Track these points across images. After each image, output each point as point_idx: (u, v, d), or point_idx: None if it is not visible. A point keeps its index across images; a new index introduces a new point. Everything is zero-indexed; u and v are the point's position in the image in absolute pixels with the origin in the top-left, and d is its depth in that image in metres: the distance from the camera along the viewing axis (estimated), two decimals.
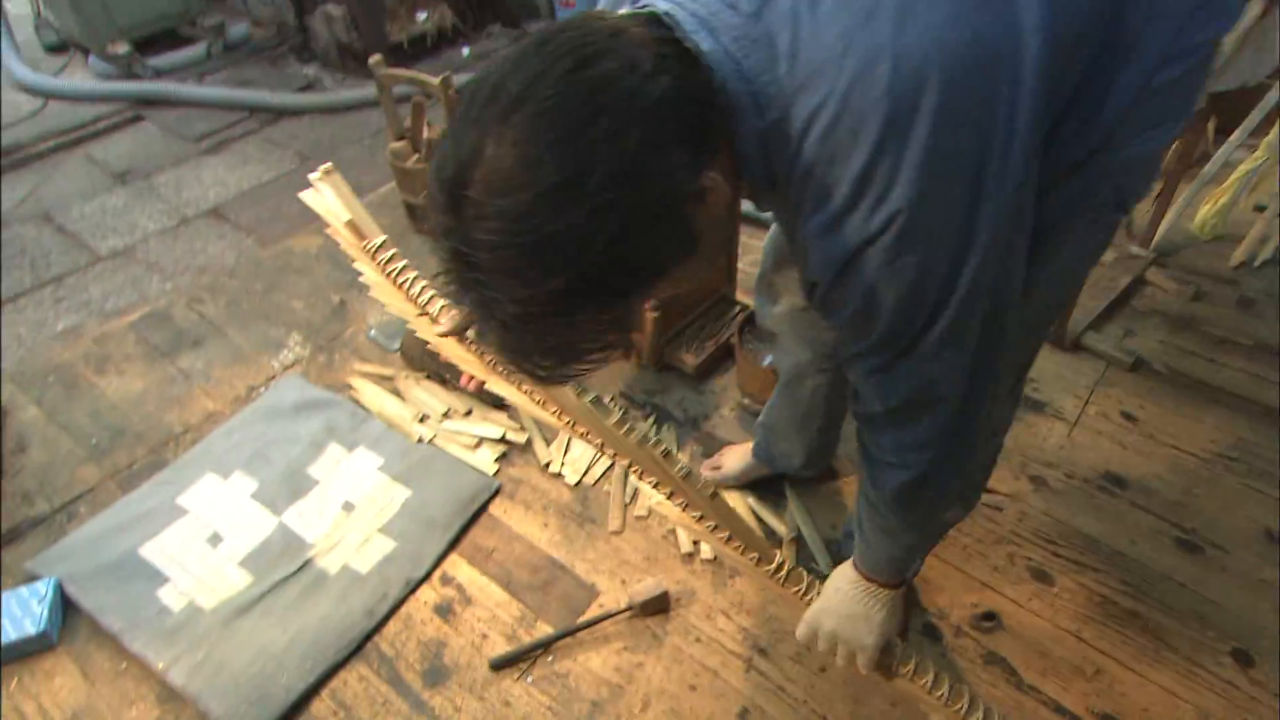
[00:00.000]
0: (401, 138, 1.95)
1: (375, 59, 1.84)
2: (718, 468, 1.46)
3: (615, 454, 0.94)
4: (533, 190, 0.48)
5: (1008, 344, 0.65)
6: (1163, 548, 1.35)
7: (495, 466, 1.51)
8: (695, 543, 1.38)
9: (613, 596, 1.32)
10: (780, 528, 1.39)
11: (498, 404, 1.61)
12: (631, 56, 0.50)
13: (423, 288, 1.00)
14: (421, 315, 1.00)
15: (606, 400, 0.96)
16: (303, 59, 3.46)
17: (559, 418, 0.95)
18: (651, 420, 1.59)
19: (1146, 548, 1.36)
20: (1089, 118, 0.64)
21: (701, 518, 0.95)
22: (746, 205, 0.74)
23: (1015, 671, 1.20)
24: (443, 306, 0.98)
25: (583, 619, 1.27)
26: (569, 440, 1.56)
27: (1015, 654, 1.22)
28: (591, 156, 0.48)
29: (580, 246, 0.49)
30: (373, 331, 1.81)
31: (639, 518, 1.43)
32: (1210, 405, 1.58)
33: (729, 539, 0.95)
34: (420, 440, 1.56)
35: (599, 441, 0.94)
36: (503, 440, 1.56)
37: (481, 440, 1.55)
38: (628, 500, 1.45)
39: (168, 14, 3.39)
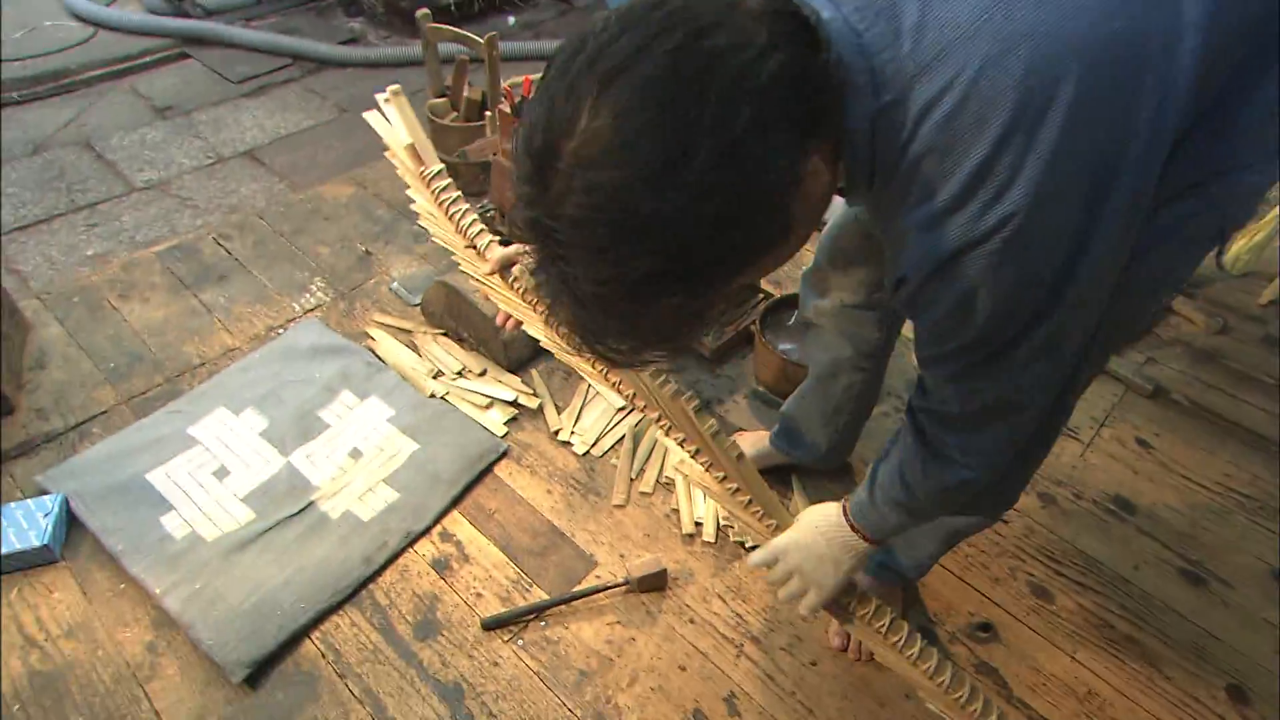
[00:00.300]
0: (441, 95, 1.91)
1: (422, 12, 1.80)
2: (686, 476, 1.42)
3: (646, 405, 0.92)
4: (630, 169, 0.45)
5: (1094, 359, 0.62)
6: (1166, 576, 1.32)
7: (505, 429, 1.49)
8: (697, 524, 1.35)
9: (610, 569, 1.29)
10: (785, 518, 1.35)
11: (521, 361, 1.58)
12: (746, 29, 0.46)
13: (473, 221, 0.98)
14: (469, 248, 0.98)
15: None
16: (349, 13, 3.42)
17: (593, 364, 0.92)
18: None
19: (1150, 575, 1.32)
20: (1219, 133, 0.57)
21: (725, 479, 0.92)
22: None
23: (1006, 684, 1.17)
24: (490, 242, 0.96)
25: (578, 588, 1.24)
26: (580, 408, 1.53)
27: (1008, 666, 1.19)
28: (696, 137, 0.44)
29: (673, 230, 0.46)
30: (395, 284, 1.78)
31: (644, 494, 1.40)
32: (1226, 439, 1.54)
33: (748, 504, 0.92)
34: (433, 396, 1.53)
35: (630, 392, 0.92)
36: (515, 404, 1.53)
37: (493, 401, 1.53)
38: (634, 475, 1.42)
39: None
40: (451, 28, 1.76)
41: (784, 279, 1.82)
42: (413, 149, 1.00)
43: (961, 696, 0.88)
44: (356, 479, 1.38)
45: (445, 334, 1.65)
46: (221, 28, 3.09)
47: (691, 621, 1.23)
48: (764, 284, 1.75)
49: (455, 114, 1.90)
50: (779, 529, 0.93)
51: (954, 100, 0.49)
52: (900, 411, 1.58)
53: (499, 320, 0.99)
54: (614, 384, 0.95)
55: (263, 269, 1.84)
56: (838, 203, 0.71)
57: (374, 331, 1.66)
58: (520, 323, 0.97)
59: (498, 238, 1.00)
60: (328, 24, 3.38)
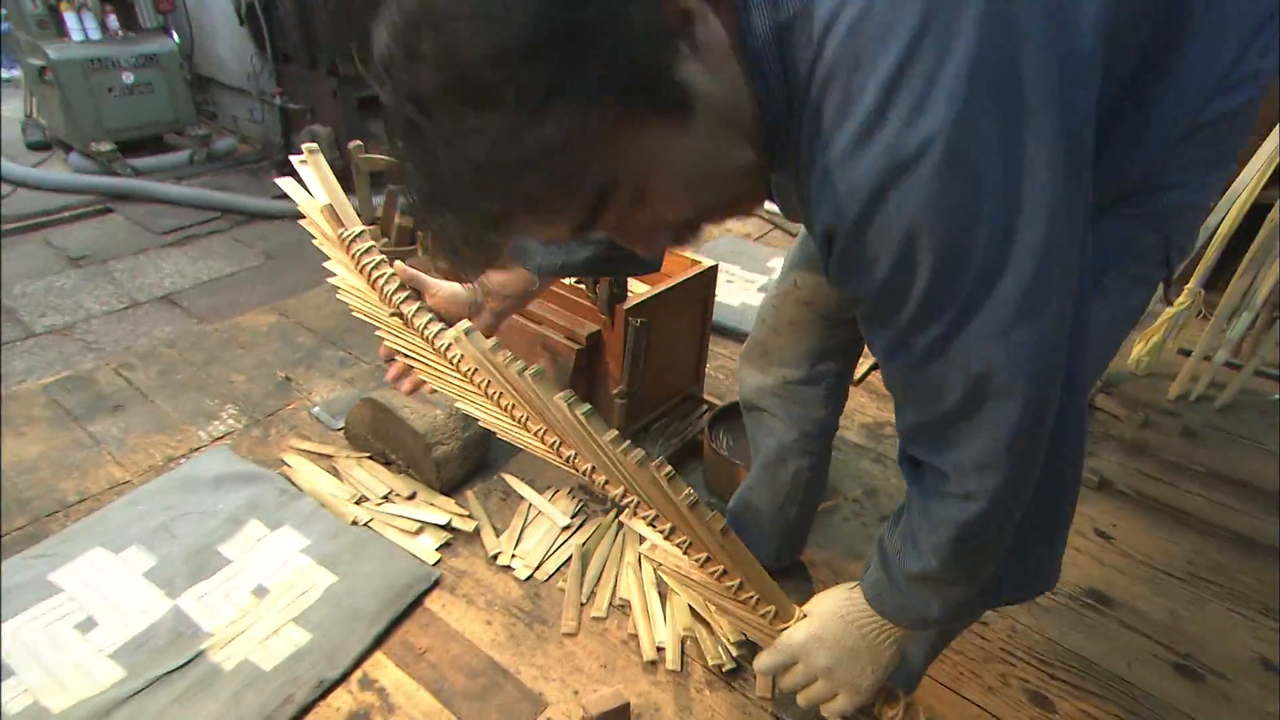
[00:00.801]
0: (372, 223, 1.86)
1: (355, 144, 1.79)
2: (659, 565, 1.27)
3: (607, 480, 0.77)
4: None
5: (1083, 344, 0.54)
6: (1162, 673, 1.20)
7: (437, 556, 1.29)
8: (659, 649, 1.16)
9: (562, 709, 1.07)
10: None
11: (454, 481, 1.41)
12: None
13: (398, 287, 0.86)
14: (394, 316, 0.85)
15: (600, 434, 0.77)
16: (285, 173, 3.45)
17: (542, 438, 0.78)
18: (614, 515, 1.40)
19: (1146, 672, 1.20)
20: (1137, 143, 0.57)
21: (708, 560, 0.76)
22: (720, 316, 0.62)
23: None
24: (417, 309, 0.84)
25: None
26: (521, 529, 1.36)
27: None
28: None
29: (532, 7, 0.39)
30: (316, 409, 1.61)
31: (596, 619, 1.21)
32: (1179, 527, 1.50)
33: (738, 589, 0.77)
34: (354, 523, 1.33)
35: (588, 466, 0.77)
36: (448, 528, 1.34)
37: (424, 526, 1.34)
38: (584, 599, 1.24)
39: (158, 121, 3.36)
40: (381, 156, 1.75)
41: (725, 392, 1.75)
42: (330, 210, 0.90)
43: None
44: (260, 621, 1.14)
45: (371, 457, 1.48)
46: (149, 184, 3.03)
47: None
48: (706, 395, 1.68)
49: (386, 240, 1.84)
50: (778, 619, 0.78)
51: (858, 7, 0.44)
52: (858, 516, 1.48)
53: (390, 374, 0.86)
54: (567, 459, 0.81)
55: (167, 398, 1.64)
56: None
57: (290, 458, 1.47)
58: (419, 385, 0.84)
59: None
60: (260, 183, 3.38)
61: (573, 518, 1.39)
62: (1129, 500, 1.56)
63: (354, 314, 0.90)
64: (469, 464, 1.45)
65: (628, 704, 1.03)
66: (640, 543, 1.29)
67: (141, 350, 1.83)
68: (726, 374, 1.85)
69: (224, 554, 1.24)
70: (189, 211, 2.97)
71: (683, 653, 1.16)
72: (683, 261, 1.57)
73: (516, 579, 1.27)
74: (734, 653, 1.16)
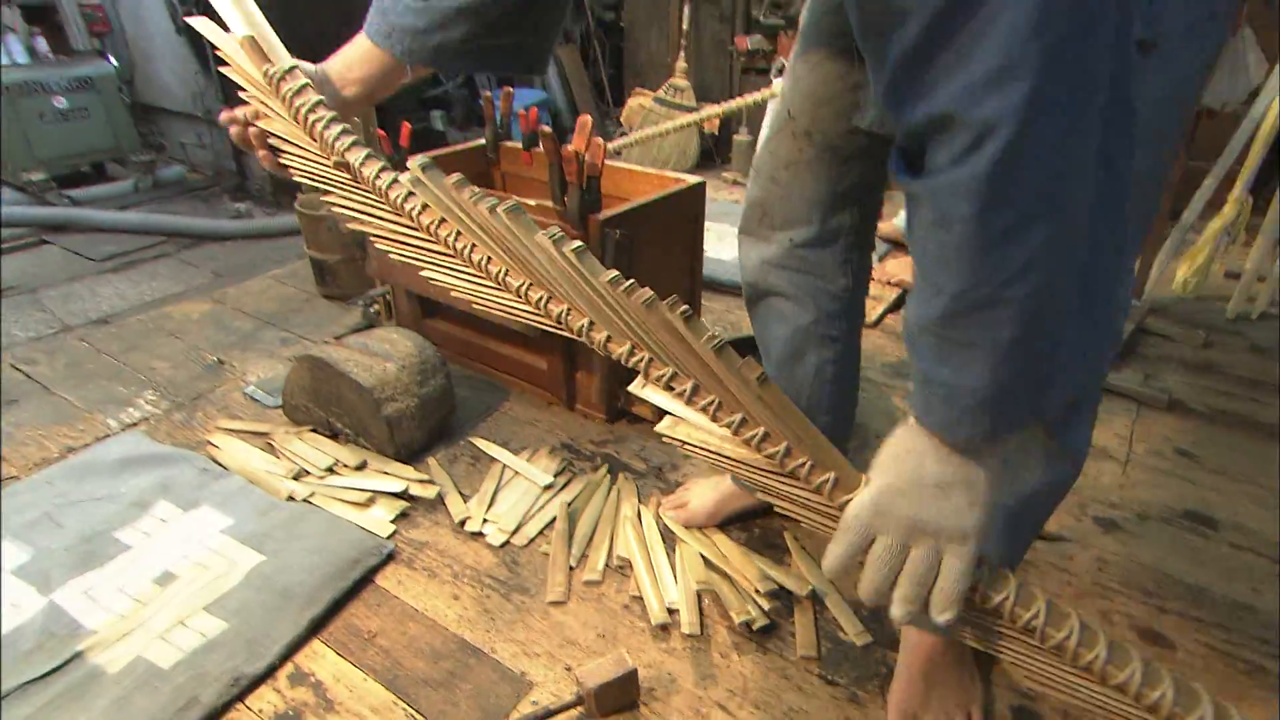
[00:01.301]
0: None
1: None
2: (682, 505, 1.09)
3: (610, 337, 0.62)
4: None
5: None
6: None
7: (391, 528, 1.08)
8: (671, 611, 0.95)
9: (553, 689, 0.86)
10: (789, 583, 0.98)
11: (411, 446, 1.20)
12: None
13: (342, 131, 0.73)
14: (340, 166, 0.72)
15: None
16: (236, 198, 3.30)
17: (525, 294, 0.65)
18: (605, 470, 1.21)
19: (1273, 597, 0.99)
20: None
21: (743, 423, 0.59)
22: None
23: None
24: (367, 156, 0.71)
25: None
26: (495, 492, 1.15)
27: None
28: None
29: None
30: (251, 387, 1.41)
31: (590, 583, 1.00)
32: (1268, 440, 1.32)
33: (785, 454, 0.59)
34: (291, 499, 1.12)
35: (583, 321, 0.64)
36: (405, 496, 1.13)
37: (375, 496, 1.13)
38: (573, 563, 1.03)
39: (97, 149, 3.22)
40: None
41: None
42: (253, 43, 0.75)
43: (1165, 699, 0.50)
44: (161, 611, 0.92)
45: (314, 430, 1.27)
46: (88, 212, 2.86)
47: None
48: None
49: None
50: (839, 489, 0.59)
51: None
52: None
53: (222, 117, 0.78)
54: (558, 316, 0.66)
55: (72, 388, 1.44)
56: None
57: (217, 438, 1.26)
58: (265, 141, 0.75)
59: (374, 155, 0.74)
60: (211, 208, 3.23)
61: (556, 476, 1.18)
62: (1205, 418, 1.39)
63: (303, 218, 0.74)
64: (429, 426, 1.25)
65: (633, 670, 0.82)
66: (656, 418, 1.10)
67: (46, 345, 1.63)
68: (725, 326, 1.67)
69: (122, 540, 1.03)
70: (132, 238, 2.81)
71: (700, 612, 0.95)
72: (663, 180, 1.41)
73: (489, 546, 1.06)
74: (765, 605, 0.95)
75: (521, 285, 0.66)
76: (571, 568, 1.03)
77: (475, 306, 0.69)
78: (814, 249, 0.88)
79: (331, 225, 1.62)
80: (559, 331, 0.66)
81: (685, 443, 0.64)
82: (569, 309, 0.64)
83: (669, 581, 0.99)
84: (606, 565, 1.03)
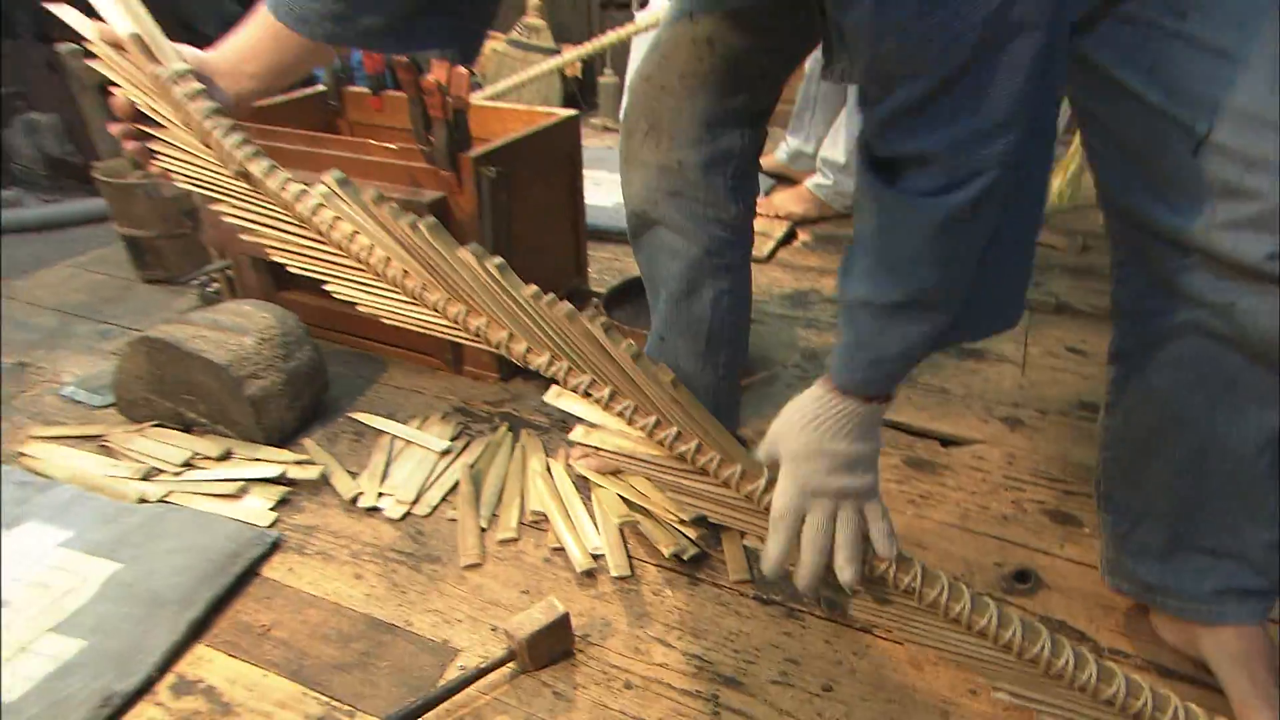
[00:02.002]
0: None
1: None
2: (589, 454, 1.12)
3: (529, 348, 0.71)
4: None
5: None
6: None
7: (272, 516, 1.06)
8: (596, 557, 1.00)
9: (479, 651, 0.88)
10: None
11: (284, 428, 1.17)
12: None
13: (243, 140, 0.78)
14: (240, 176, 0.75)
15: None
16: None
17: (444, 309, 0.73)
18: (505, 429, 1.23)
19: None
20: None
21: (657, 425, 0.69)
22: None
23: (1086, 636, 0.90)
24: (271, 167, 0.76)
25: (436, 690, 0.81)
26: (386, 465, 1.15)
27: (1077, 615, 0.93)
28: None
29: None
30: (70, 388, 1.32)
31: (505, 543, 1.03)
32: None
33: (696, 451, 0.69)
34: (144, 501, 1.07)
35: (503, 335, 0.71)
36: (282, 480, 1.11)
37: (247, 485, 1.10)
38: (484, 525, 1.05)
39: None
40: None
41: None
42: (140, 42, 0.76)
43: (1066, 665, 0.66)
44: None
45: (159, 424, 1.21)
46: None
47: (629, 687, 0.84)
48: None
49: (140, 173, 1.58)
50: (745, 479, 0.71)
51: None
52: (803, 381, 1.38)
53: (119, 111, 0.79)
54: (477, 330, 0.73)
55: None
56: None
57: (32, 449, 1.17)
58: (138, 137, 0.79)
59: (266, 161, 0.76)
60: None
61: (453, 440, 1.19)
62: (1089, 317, 1.58)
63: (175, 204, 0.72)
64: (301, 405, 1.22)
65: (565, 615, 0.86)
66: (565, 434, 1.14)
67: None
68: (614, 274, 1.72)
69: None
70: None
71: (627, 554, 1.00)
72: (533, 115, 1.43)
73: (389, 520, 1.06)
74: (692, 535, 1.01)
75: (439, 300, 0.71)
76: (483, 529, 1.04)
77: (386, 320, 0.74)
78: (703, 173, 0.92)
79: (152, 190, 1.53)
80: (475, 344, 0.71)
81: (600, 448, 0.71)
82: (488, 321, 0.70)
83: (589, 529, 1.03)
84: (520, 522, 1.06)
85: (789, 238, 1.96)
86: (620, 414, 0.69)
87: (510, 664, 0.85)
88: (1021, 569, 0.99)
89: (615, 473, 1.11)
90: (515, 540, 1.03)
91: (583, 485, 1.11)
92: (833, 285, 1.74)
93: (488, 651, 0.88)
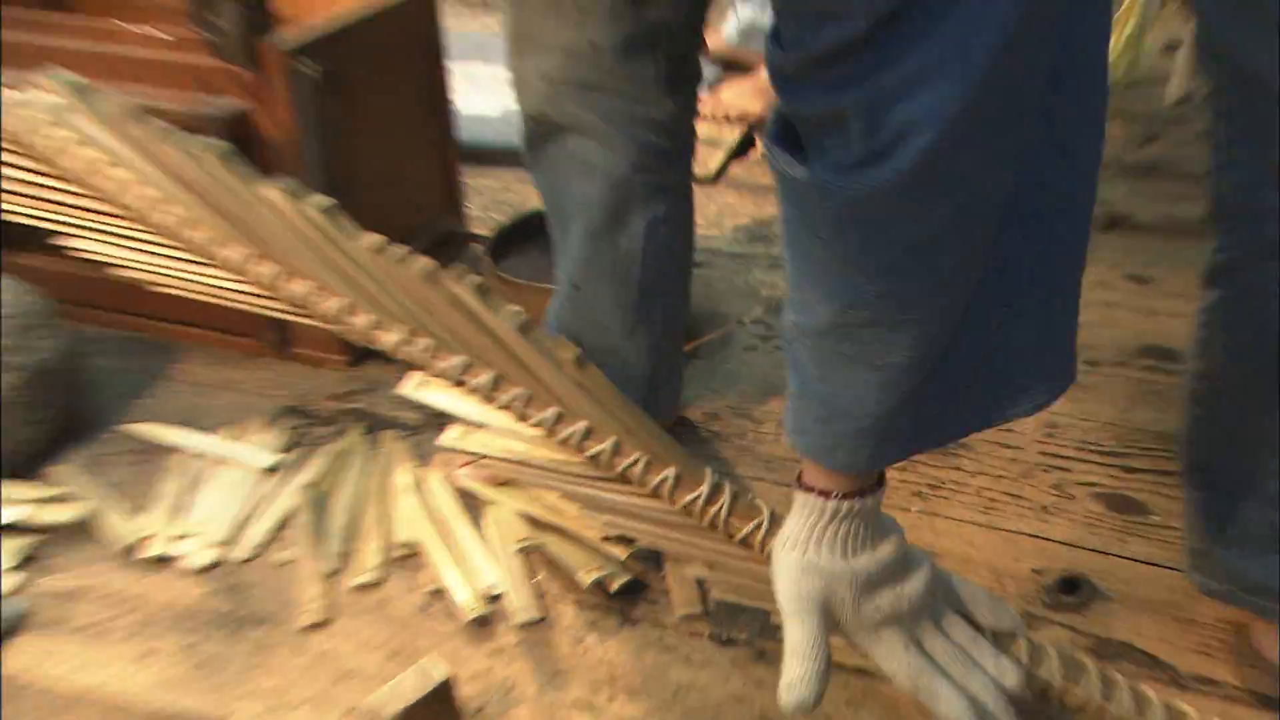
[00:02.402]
0: None
1: None
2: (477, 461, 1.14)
3: (378, 322, 0.72)
4: None
5: None
6: None
7: (13, 580, 1.04)
8: (493, 599, 1.01)
9: None
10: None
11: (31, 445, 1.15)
12: None
13: None
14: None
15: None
16: None
17: (252, 267, 0.73)
18: (359, 432, 1.23)
19: None
20: None
21: (559, 420, 0.72)
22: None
23: (1156, 659, 0.95)
24: None
25: None
26: (183, 494, 1.14)
27: (1146, 633, 0.98)
28: None
29: None
30: None
31: (362, 588, 1.04)
32: None
33: (613, 452, 0.72)
34: None
35: (340, 304, 0.73)
36: (26, 528, 1.09)
37: None
38: (333, 567, 1.05)
39: None
40: None
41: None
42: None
43: None
44: None
45: None
46: None
47: None
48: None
49: None
50: (682, 488, 0.75)
51: None
52: (766, 340, 1.42)
53: None
54: (304, 298, 0.74)
55: None
56: None
57: None
58: None
59: None
60: None
61: (283, 453, 1.19)
62: (1158, 232, 1.65)
63: None
64: (50, 416, 1.19)
65: (446, 681, 0.86)
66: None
67: None
68: (504, 210, 1.73)
69: None
70: None
71: (536, 591, 1.03)
72: None
73: (190, 572, 1.06)
74: (621, 556, 1.03)
75: (241, 258, 0.72)
76: (331, 574, 1.05)
77: (165, 290, 0.73)
78: (626, 58, 0.93)
79: None
80: (301, 319, 0.71)
81: (483, 455, 0.72)
82: (316, 287, 0.70)
83: (481, 561, 1.05)
84: (385, 560, 1.06)
85: (744, 147, 1.99)
86: (508, 407, 0.71)
87: None
88: (1069, 575, 1.04)
89: (512, 483, 1.11)
90: (378, 585, 1.04)
91: (471, 503, 1.13)
92: None
93: None
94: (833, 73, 0.50)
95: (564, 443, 0.71)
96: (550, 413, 0.70)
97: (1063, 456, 1.19)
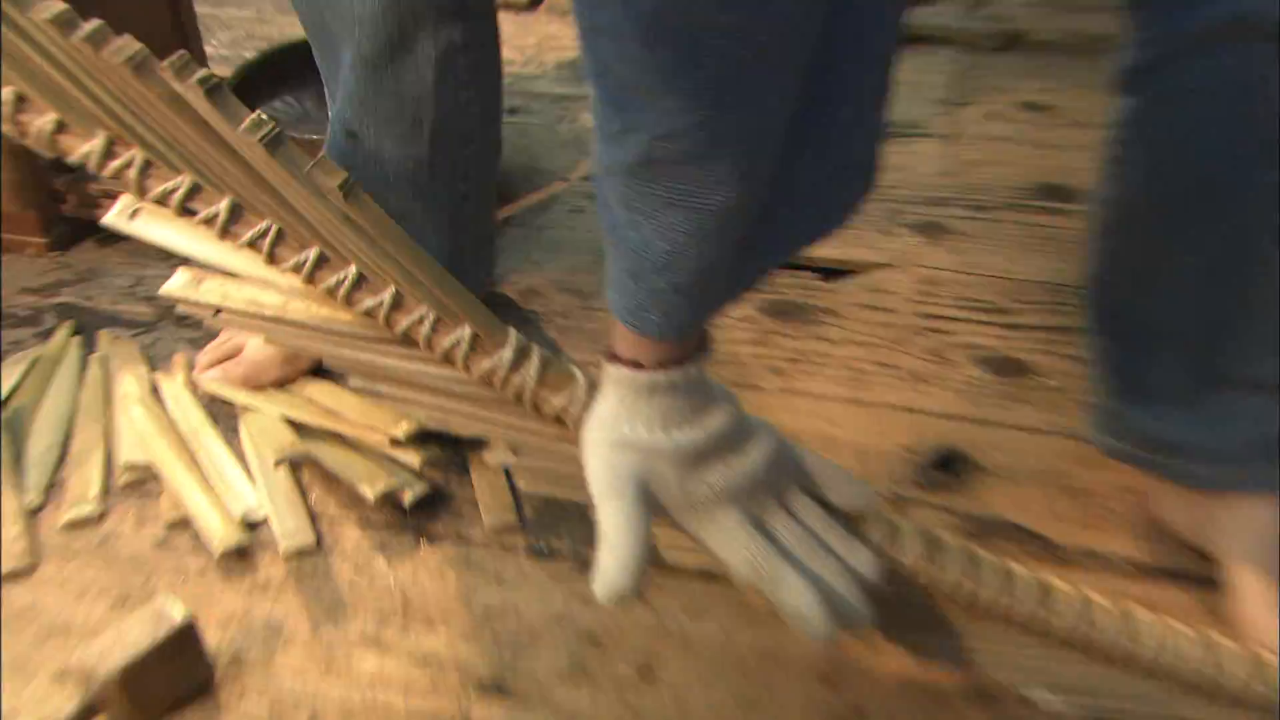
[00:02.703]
0: None
1: None
2: (234, 355, 1.16)
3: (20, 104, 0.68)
4: None
5: None
6: None
7: None
8: (252, 525, 1.02)
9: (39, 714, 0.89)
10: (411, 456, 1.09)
11: None
12: None
13: None
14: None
15: None
16: None
17: None
18: (67, 332, 1.21)
19: None
20: None
21: (323, 261, 0.71)
22: None
23: (1040, 535, 1.03)
24: None
25: None
26: None
27: (1031, 508, 1.05)
28: None
29: None
30: None
31: (76, 524, 1.03)
32: None
33: (393, 306, 0.72)
34: None
35: None
36: None
37: None
38: (37, 502, 1.05)
39: None
40: None
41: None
42: None
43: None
44: None
45: None
46: None
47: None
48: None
49: None
50: (480, 350, 0.75)
51: None
52: (594, 200, 1.43)
53: None
54: None
55: None
56: None
57: None
58: None
59: None
60: None
61: None
62: (1058, 50, 1.73)
63: None
64: None
65: (188, 622, 0.87)
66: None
67: None
68: (255, 45, 1.68)
69: None
70: None
71: (309, 512, 1.03)
72: None
73: None
74: (416, 463, 1.04)
75: None
76: (34, 510, 1.04)
77: None
78: None
79: None
80: None
81: (221, 309, 0.70)
82: None
83: (237, 481, 1.04)
84: (106, 488, 1.05)
85: None
86: (253, 246, 0.69)
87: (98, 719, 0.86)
88: (945, 450, 1.10)
89: (280, 384, 1.12)
90: (98, 519, 1.03)
91: (223, 409, 1.13)
92: None
93: (57, 709, 0.88)
94: None
95: (329, 294, 0.69)
96: (309, 254, 0.68)
97: (941, 317, 1.25)
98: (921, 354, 1.21)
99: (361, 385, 0.76)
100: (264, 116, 0.66)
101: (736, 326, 1.23)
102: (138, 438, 1.09)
